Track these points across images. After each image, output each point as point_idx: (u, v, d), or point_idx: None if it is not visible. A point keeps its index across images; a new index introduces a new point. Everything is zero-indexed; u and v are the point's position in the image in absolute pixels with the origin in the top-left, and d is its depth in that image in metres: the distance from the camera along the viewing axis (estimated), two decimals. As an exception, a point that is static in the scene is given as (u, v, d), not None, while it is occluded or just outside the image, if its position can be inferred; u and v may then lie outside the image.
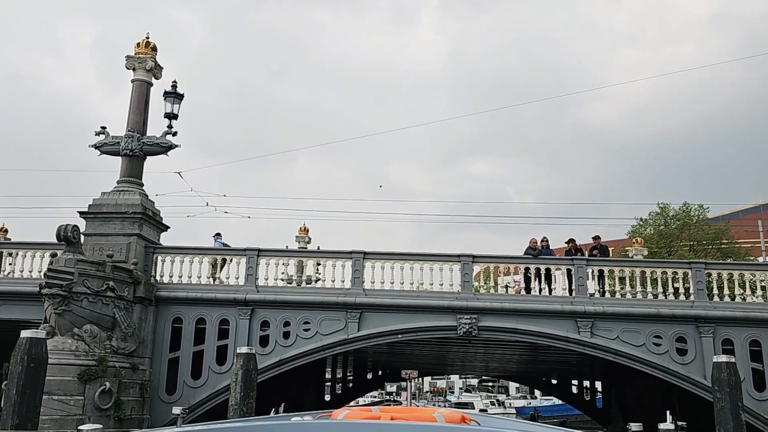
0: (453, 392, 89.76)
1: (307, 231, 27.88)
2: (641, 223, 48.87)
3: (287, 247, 22.05)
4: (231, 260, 19.40)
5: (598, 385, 40.26)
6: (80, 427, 6.47)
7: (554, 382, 41.34)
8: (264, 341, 18.64)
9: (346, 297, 18.66)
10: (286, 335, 18.62)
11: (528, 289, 18.97)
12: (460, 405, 56.46)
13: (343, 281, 19.23)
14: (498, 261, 18.99)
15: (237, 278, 19.34)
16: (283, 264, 19.31)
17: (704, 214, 48.55)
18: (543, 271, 18.75)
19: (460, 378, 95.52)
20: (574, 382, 41.14)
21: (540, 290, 18.75)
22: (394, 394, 73.42)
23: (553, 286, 18.86)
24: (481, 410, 53.51)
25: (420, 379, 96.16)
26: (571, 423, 50.68)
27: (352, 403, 43.30)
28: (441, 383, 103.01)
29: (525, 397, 72.18)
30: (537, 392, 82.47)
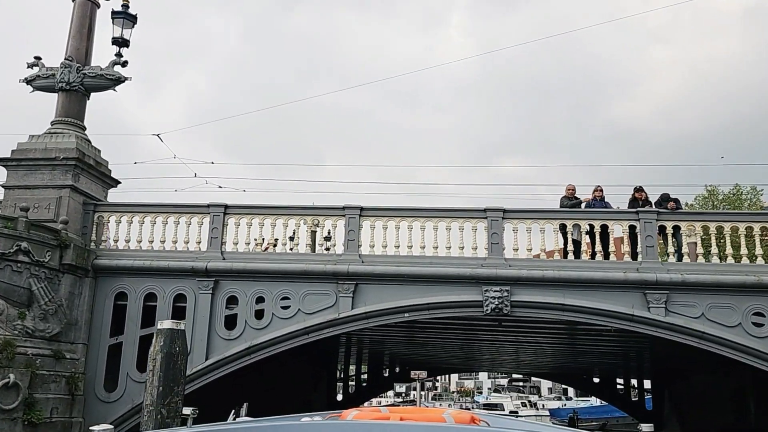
0: (481, 393, 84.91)
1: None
2: (688, 207, 43.96)
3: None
4: (190, 221, 15.09)
5: (647, 383, 35.68)
6: (91, 428, 5.97)
7: (596, 380, 36.50)
8: (230, 322, 14.34)
9: (337, 264, 14.26)
10: (259, 314, 14.28)
11: (577, 254, 14.37)
12: (488, 406, 51.83)
13: (334, 244, 14.84)
14: (536, 216, 14.37)
15: (199, 242, 15.05)
16: (258, 224, 14.95)
17: (757, 197, 43.57)
18: (597, 229, 14.10)
19: (489, 378, 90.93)
20: (619, 380, 36.40)
21: (593, 254, 14.13)
22: (403, 394, 68.94)
23: (612, 249, 14.18)
24: (511, 412, 48.79)
25: (447, 378, 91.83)
26: (612, 426, 46.12)
27: (365, 404, 38.99)
28: (469, 383, 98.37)
29: (559, 398, 67.11)
30: (571, 392, 77.89)
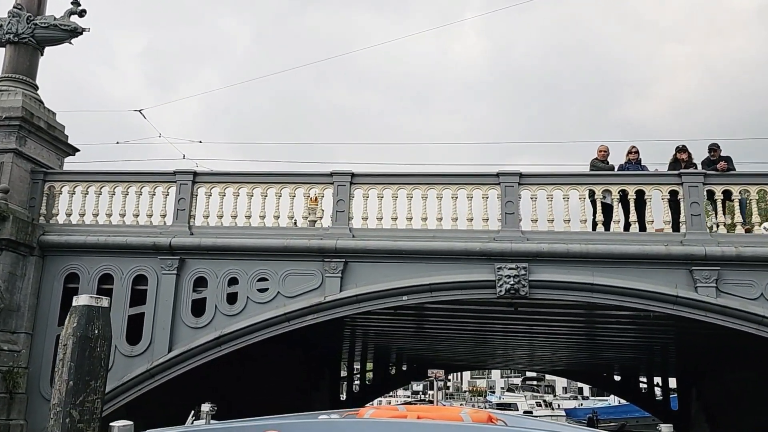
0: (494, 392, 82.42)
1: (318, 200, 20.83)
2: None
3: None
4: (154, 191, 12.95)
5: (672, 382, 33.26)
6: (111, 424, 5.39)
7: (617, 378, 34.11)
8: (198, 308, 12.20)
9: (323, 240, 12.09)
10: (232, 299, 12.14)
11: (606, 225, 12.11)
12: (501, 406, 49.44)
13: (321, 217, 12.67)
14: (559, 181, 12.08)
15: (164, 216, 12.92)
16: (233, 194, 12.79)
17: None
18: (632, 195, 11.82)
19: (502, 377, 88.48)
20: (642, 379, 34.03)
21: (627, 225, 11.87)
22: (420, 393, 66.68)
23: (649, 219, 11.86)
24: (525, 412, 46.40)
25: (459, 376, 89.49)
26: (631, 427, 43.74)
27: (374, 403, 36.83)
28: (481, 382, 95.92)
29: (575, 398, 64.61)
30: (586, 391, 75.29)
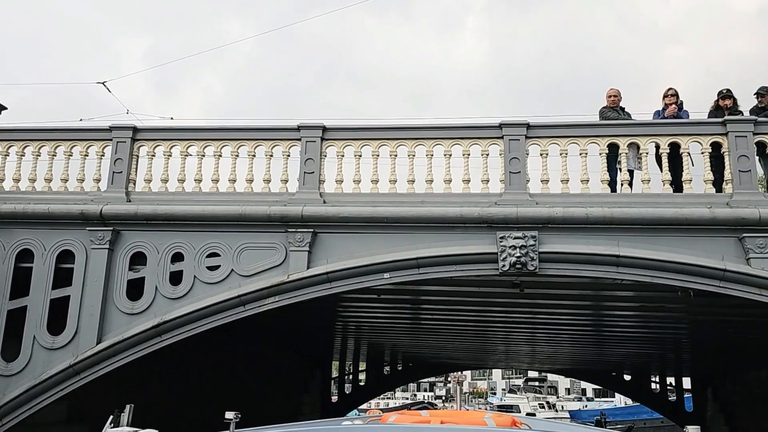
0: (495, 393, 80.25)
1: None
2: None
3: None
4: (86, 151, 10.75)
5: (686, 382, 31.12)
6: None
7: (627, 377, 31.91)
8: (135, 290, 10.01)
9: (288, 206, 9.90)
10: (176, 278, 9.94)
11: (631, 184, 9.92)
12: (503, 408, 47.25)
13: (286, 180, 10.46)
14: (575, 133, 9.86)
15: (98, 181, 10.72)
16: (181, 154, 10.60)
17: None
18: (665, 149, 9.62)
19: (503, 378, 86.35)
20: (653, 378, 31.88)
21: (662, 184, 9.68)
22: (418, 395, 64.51)
23: (687, 176, 9.63)
24: (528, 414, 44.32)
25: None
26: (639, 429, 41.67)
27: (364, 405, 34.65)
28: (482, 384, 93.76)
29: (579, 399, 62.37)
30: (590, 391, 73.05)
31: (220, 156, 10.53)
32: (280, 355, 24.38)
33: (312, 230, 9.71)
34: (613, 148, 9.84)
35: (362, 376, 33.94)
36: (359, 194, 10.08)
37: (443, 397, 77.24)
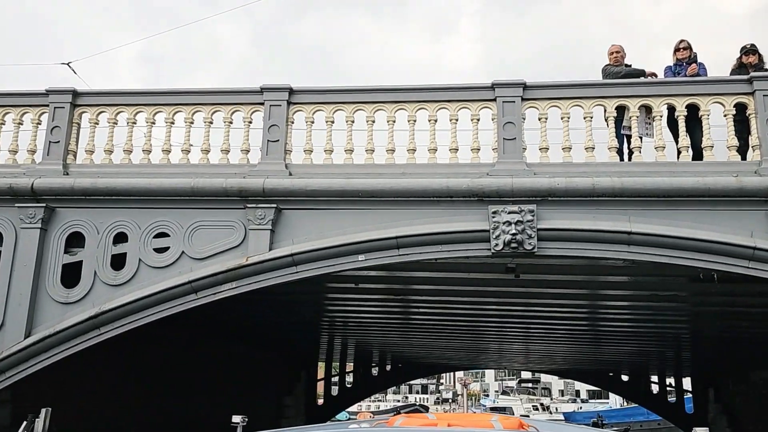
0: (488, 395, 79.01)
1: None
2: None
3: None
4: (20, 118, 9.40)
5: (686, 383, 30.01)
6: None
7: (624, 378, 30.74)
8: (71, 276, 8.66)
9: (247, 178, 8.58)
10: (118, 262, 8.60)
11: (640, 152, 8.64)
12: (496, 410, 46.06)
13: (247, 151, 9.13)
14: (578, 94, 8.57)
15: (33, 152, 9.37)
16: (128, 121, 9.25)
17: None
18: (682, 111, 8.34)
19: (496, 379, 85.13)
20: (653, 379, 30.74)
21: (678, 153, 8.40)
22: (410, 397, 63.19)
23: (708, 142, 8.34)
24: (522, 417, 43.20)
25: (451, 379, 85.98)
26: (636, 431, 40.67)
27: (354, 407, 33.31)
28: (474, 386, 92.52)
29: (573, 400, 61.21)
30: (583, 393, 71.93)
31: (173, 123, 9.20)
32: (261, 355, 23.02)
33: (275, 206, 8.39)
34: (620, 112, 8.58)
35: (350, 378, 32.60)
36: (331, 165, 8.78)
37: (438, 399, 75.90)
